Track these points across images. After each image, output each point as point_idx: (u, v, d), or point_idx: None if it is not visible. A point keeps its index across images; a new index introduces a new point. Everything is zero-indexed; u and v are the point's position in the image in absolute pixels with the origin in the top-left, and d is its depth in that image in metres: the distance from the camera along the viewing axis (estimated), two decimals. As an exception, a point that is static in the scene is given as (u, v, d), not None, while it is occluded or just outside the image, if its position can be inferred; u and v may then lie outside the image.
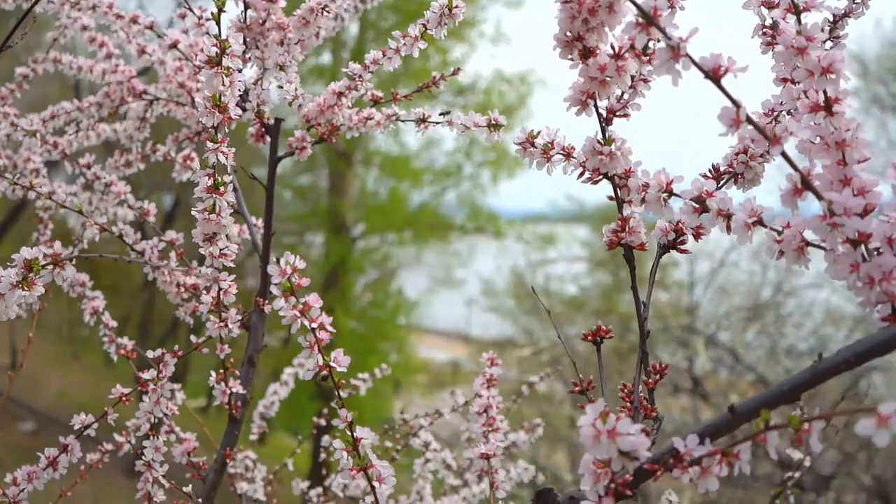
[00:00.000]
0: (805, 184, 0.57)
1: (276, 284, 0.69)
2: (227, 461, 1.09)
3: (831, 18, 0.81)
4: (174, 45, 1.17)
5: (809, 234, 0.61)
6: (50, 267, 0.73)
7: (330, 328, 0.71)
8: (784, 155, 0.57)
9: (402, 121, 1.06)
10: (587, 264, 10.85)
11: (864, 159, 0.60)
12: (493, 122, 0.95)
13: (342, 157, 10.97)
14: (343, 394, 1.54)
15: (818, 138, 0.61)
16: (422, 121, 1.03)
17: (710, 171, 0.77)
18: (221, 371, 1.06)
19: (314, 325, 0.70)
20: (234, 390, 1.06)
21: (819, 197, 0.57)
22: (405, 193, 11.36)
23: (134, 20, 1.19)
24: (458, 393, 1.70)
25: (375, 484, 0.72)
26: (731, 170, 0.76)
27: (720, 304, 7.41)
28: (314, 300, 0.70)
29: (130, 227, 1.11)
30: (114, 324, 1.19)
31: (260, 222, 1.22)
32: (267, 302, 1.07)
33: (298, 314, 0.70)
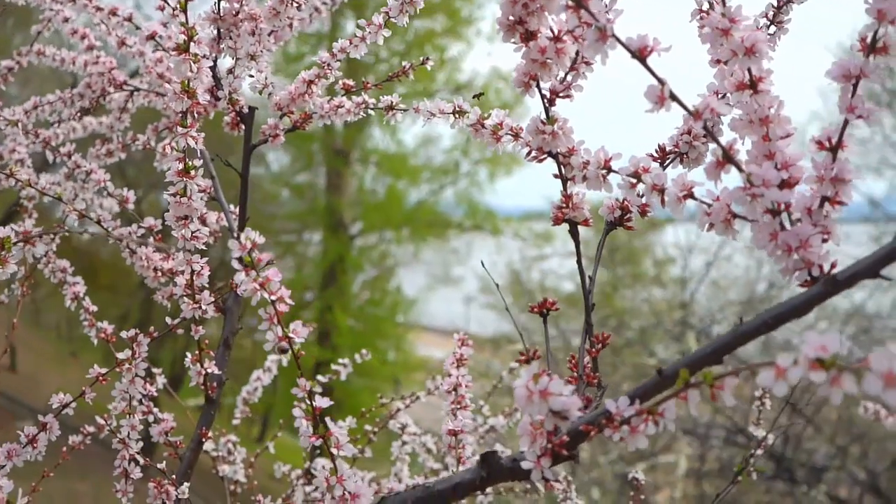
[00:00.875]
0: (727, 157, 0.61)
1: (236, 259, 0.72)
2: (204, 440, 1.12)
3: (776, 3, 0.84)
4: (152, 37, 1.20)
5: (737, 207, 0.64)
6: (21, 244, 0.77)
7: (289, 301, 0.74)
8: (706, 129, 0.60)
9: (372, 108, 1.09)
10: (584, 260, 10.87)
11: (787, 135, 0.63)
12: (458, 109, 0.98)
13: (340, 155, 11.02)
14: (323, 378, 1.56)
15: (746, 115, 0.64)
16: (389, 108, 1.07)
17: (656, 150, 0.80)
18: (196, 353, 1.09)
19: (274, 297, 0.73)
20: (209, 371, 1.10)
21: (739, 169, 0.60)
22: (403, 191, 11.39)
23: (113, 12, 1.22)
24: (440, 379, 1.73)
25: (334, 451, 0.75)
26: (675, 150, 0.79)
27: (714, 298, 7.44)
28: (274, 274, 0.74)
29: (109, 214, 1.14)
30: (94, 308, 1.22)
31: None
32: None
33: (258, 287, 0.73)
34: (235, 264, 0.73)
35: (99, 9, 1.23)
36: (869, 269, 0.55)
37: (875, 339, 7.10)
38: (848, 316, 6.96)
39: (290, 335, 0.74)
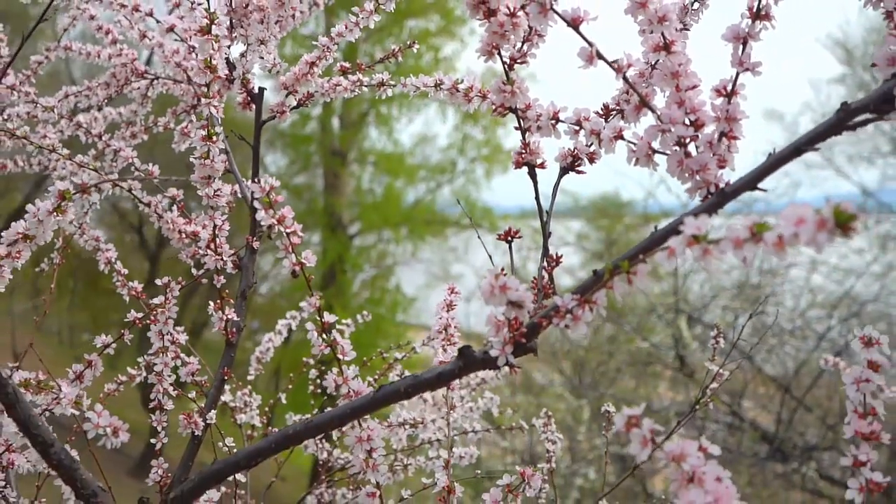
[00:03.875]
0: (643, 102, 0.77)
1: (256, 199, 0.89)
2: (225, 378, 1.28)
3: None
4: (171, 29, 1.36)
5: (655, 144, 0.81)
6: (79, 195, 0.93)
7: (301, 234, 0.91)
8: (626, 80, 0.77)
9: (365, 86, 1.26)
10: (581, 255, 11.06)
11: (694, 86, 0.80)
12: (439, 82, 1.15)
13: (337, 156, 11.19)
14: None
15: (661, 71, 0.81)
16: (381, 84, 1.23)
17: (601, 108, 0.96)
18: (218, 301, 1.25)
19: (289, 230, 0.90)
20: (229, 318, 1.26)
21: (652, 111, 0.77)
22: (400, 190, 11.56)
23: (136, 8, 1.38)
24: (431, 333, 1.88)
25: (340, 356, 0.92)
26: (617, 107, 0.96)
27: (706, 284, 7.62)
28: (288, 212, 0.90)
29: (139, 183, 1.31)
30: (125, 271, 1.39)
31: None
32: (256, 239, 1.26)
33: (276, 222, 0.89)
34: (256, 204, 0.89)
35: (123, 5, 1.39)
36: (749, 184, 0.72)
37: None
38: (838, 300, 7.14)
39: (303, 261, 0.90)
